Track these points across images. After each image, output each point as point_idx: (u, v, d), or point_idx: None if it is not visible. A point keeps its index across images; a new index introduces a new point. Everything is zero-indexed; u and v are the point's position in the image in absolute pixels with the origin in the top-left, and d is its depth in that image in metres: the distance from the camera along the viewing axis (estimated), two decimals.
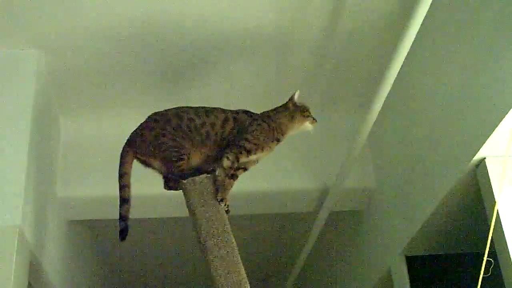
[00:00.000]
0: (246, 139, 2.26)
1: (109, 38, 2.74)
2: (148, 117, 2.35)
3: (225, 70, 3.00)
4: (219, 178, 2.17)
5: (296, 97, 2.42)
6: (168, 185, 2.28)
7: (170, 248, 4.74)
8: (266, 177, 3.16)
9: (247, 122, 2.31)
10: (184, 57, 2.88)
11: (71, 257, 3.53)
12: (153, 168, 2.30)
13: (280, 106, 2.44)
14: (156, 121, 2.30)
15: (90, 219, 3.54)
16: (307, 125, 2.41)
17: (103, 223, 3.72)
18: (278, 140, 2.35)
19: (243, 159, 2.25)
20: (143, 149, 2.27)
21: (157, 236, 4.47)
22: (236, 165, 2.22)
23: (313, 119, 2.42)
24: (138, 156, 2.30)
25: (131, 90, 3.10)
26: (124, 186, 2.27)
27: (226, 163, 2.20)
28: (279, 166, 3.19)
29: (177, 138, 2.24)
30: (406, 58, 2.33)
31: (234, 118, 2.32)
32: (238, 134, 2.28)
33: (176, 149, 2.23)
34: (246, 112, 2.36)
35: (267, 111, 2.43)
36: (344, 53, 2.94)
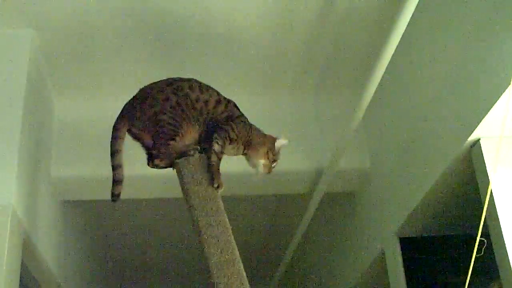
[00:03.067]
0: (231, 127, 2.25)
1: (103, 17, 2.72)
2: (143, 91, 2.30)
3: (223, 49, 2.98)
4: (213, 163, 2.17)
5: (279, 143, 2.37)
6: (153, 163, 2.26)
7: (163, 228, 4.74)
8: None
9: (235, 115, 2.31)
10: (180, 34, 2.86)
11: (65, 237, 3.54)
12: (142, 142, 2.28)
13: (261, 131, 2.38)
14: (154, 98, 2.25)
15: (84, 200, 3.54)
16: (261, 164, 2.35)
17: (97, 204, 3.73)
18: (242, 151, 2.32)
19: (226, 146, 2.24)
20: (140, 123, 2.24)
21: (150, 216, 4.48)
22: (223, 150, 2.22)
23: (270, 168, 2.36)
24: (133, 129, 2.27)
25: (126, 70, 3.08)
26: (117, 166, 2.24)
27: (217, 147, 2.20)
28: None
29: (175, 117, 2.23)
30: (401, 39, 2.32)
31: (226, 105, 2.31)
32: (226, 121, 2.27)
33: (172, 128, 2.21)
34: (236, 106, 2.35)
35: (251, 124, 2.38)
36: (338, 34, 2.93)
